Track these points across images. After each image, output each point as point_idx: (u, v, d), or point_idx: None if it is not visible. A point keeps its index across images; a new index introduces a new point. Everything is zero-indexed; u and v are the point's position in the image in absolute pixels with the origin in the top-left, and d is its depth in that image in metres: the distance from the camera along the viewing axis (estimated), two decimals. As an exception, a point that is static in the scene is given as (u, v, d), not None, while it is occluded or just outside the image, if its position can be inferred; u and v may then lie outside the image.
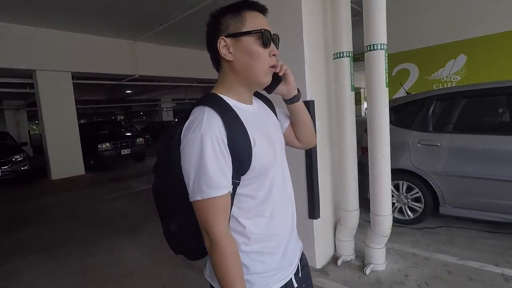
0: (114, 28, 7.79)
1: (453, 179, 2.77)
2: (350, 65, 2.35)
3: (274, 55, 0.79)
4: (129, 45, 8.88)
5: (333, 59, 2.40)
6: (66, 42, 7.66)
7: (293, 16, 2.26)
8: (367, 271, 2.30)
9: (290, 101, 0.94)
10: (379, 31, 2.09)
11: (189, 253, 0.88)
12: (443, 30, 5.25)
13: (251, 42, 0.76)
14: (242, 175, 0.77)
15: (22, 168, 7.26)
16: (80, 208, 5.01)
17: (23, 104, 13.89)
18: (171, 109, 20.67)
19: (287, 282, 0.86)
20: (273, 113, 0.96)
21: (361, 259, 2.49)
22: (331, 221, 2.59)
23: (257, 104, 0.90)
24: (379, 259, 2.34)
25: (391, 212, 2.25)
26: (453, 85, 5.22)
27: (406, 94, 3.44)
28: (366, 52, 2.18)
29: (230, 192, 0.74)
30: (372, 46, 2.13)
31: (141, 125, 21.75)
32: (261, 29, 0.76)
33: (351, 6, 2.36)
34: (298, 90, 0.93)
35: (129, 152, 9.09)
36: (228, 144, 0.72)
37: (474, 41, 4.99)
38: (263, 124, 0.85)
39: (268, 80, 0.81)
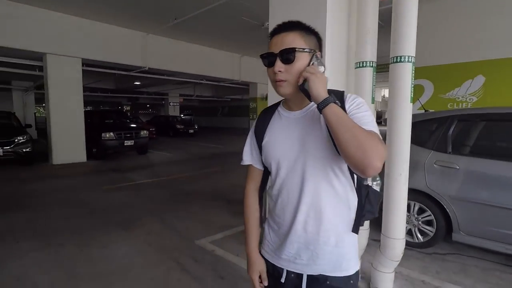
0: (129, 18, 7.74)
1: (469, 205, 2.62)
2: (373, 76, 2.23)
3: (279, 71, 0.90)
4: (142, 37, 8.84)
5: (355, 68, 2.28)
6: (79, 28, 7.63)
7: (317, 22, 2.15)
8: (373, 296, 2.16)
9: (318, 110, 0.85)
10: (408, 42, 1.96)
11: None
12: (462, 49, 5.11)
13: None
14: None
15: (24, 150, 7.20)
16: (77, 196, 4.91)
17: (31, 86, 13.89)
18: (178, 104, 20.64)
19: (274, 267, 1.04)
20: (323, 122, 0.90)
21: (367, 282, 2.35)
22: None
23: (308, 111, 0.97)
24: (387, 284, 2.20)
25: (404, 236, 2.12)
26: (468, 105, 5.07)
27: (424, 111, 3.31)
28: (391, 63, 2.06)
29: (252, 165, 1.10)
30: (399, 58, 2.00)
31: (146, 118, 21.75)
32: (261, 54, 0.94)
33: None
34: (325, 99, 0.81)
35: (133, 143, 9.02)
36: (254, 134, 1.08)
37: (494, 62, 4.84)
38: (295, 128, 0.97)
39: (280, 91, 0.93)
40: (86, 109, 9.30)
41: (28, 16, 6.84)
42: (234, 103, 24.70)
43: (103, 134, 8.45)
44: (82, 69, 8.12)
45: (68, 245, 3.08)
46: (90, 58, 8.07)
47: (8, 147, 6.93)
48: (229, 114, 27.52)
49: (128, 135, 8.96)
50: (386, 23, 2.37)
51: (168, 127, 16.52)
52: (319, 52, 0.94)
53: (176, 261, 2.78)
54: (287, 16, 2.47)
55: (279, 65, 0.89)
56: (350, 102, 0.92)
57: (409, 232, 3.02)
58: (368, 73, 2.22)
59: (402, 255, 2.14)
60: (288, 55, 0.88)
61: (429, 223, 2.91)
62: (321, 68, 0.90)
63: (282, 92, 0.93)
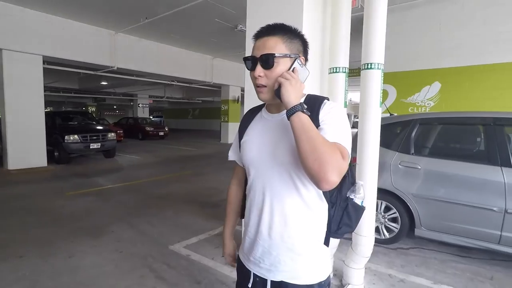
0: (96, 15, 7.40)
1: (429, 202, 2.85)
2: (345, 81, 2.34)
3: (259, 76, 0.90)
4: (110, 36, 8.49)
5: (329, 73, 2.38)
6: (40, 23, 7.15)
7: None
8: (345, 291, 2.26)
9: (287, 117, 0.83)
10: (377, 50, 2.10)
11: None
12: (421, 57, 5.52)
13: None
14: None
15: (-26, 155, 6.59)
16: (37, 203, 4.59)
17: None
18: (147, 105, 20.02)
19: (245, 269, 1.04)
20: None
21: (339, 278, 2.45)
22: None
23: (285, 116, 0.87)
24: (358, 280, 2.31)
25: (373, 233, 2.24)
26: (427, 110, 5.47)
27: (389, 114, 3.52)
28: (363, 70, 2.18)
29: (236, 162, 1.16)
30: (369, 64, 2.13)
31: (113, 119, 20.83)
32: (244, 57, 0.96)
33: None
34: (293, 107, 0.80)
35: (99, 146, 8.59)
36: (238, 131, 1.10)
37: (448, 70, 5.28)
38: (271, 131, 0.97)
39: (260, 97, 0.94)
40: (47, 110, 8.70)
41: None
42: (205, 105, 24.44)
43: (66, 136, 7.96)
44: (44, 67, 7.61)
45: (29, 257, 2.87)
46: (52, 55, 7.57)
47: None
48: (200, 116, 27.22)
49: (95, 137, 8.52)
50: (356, 30, 2.50)
51: (137, 130, 15.95)
52: (302, 57, 0.93)
53: (150, 267, 2.70)
54: (264, 20, 2.52)
55: (259, 70, 0.89)
56: (326, 110, 0.90)
57: (376, 230, 3.19)
58: (341, 79, 2.32)
59: (371, 251, 2.26)
60: (267, 60, 0.88)
61: (394, 220, 3.11)
62: (304, 73, 0.89)
63: (262, 98, 0.93)
